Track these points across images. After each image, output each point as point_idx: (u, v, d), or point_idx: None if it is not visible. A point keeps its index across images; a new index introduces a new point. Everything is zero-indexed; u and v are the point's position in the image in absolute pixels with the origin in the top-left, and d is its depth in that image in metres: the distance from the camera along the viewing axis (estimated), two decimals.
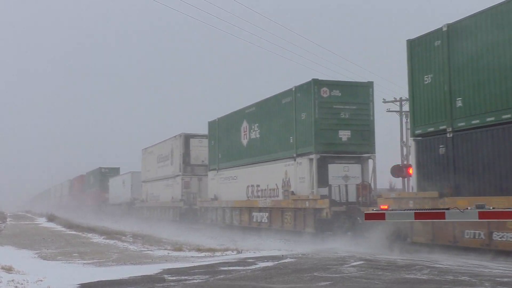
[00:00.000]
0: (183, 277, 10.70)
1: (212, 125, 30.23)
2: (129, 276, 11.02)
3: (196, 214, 32.17)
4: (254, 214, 24.27)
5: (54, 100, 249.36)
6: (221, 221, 27.78)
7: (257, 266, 12.35)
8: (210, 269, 11.94)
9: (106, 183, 59.42)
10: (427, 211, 8.68)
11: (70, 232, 27.59)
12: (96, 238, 22.85)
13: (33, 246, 19.26)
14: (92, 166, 69.88)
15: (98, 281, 10.43)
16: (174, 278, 10.66)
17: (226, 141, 28.09)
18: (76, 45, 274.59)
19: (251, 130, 25.10)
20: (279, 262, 12.99)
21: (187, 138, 34.73)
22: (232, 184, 27.10)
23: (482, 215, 7.75)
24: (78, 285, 10.01)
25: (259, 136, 24.43)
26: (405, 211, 8.81)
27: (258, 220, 23.85)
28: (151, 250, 17.23)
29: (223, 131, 28.73)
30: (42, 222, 42.34)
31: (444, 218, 8.00)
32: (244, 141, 25.80)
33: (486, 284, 9.26)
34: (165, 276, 10.98)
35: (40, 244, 20.22)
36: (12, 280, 10.29)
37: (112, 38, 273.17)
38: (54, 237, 23.69)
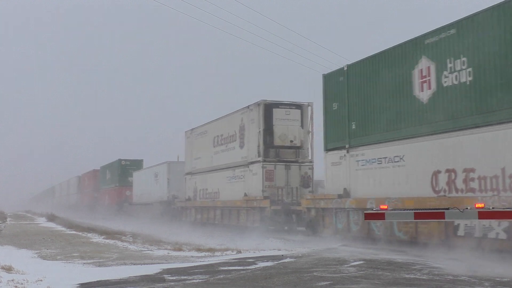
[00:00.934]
0: (183, 277, 10.70)
1: (332, 78, 19.62)
2: (129, 276, 11.02)
3: (291, 218, 23.10)
4: (461, 223, 13.61)
5: (53, 97, 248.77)
6: (362, 232, 17.44)
7: (257, 266, 12.35)
8: (210, 269, 11.94)
9: (127, 178, 50.62)
10: (427, 211, 8.68)
11: (70, 232, 27.58)
12: (96, 238, 22.84)
13: (33, 246, 19.26)
14: (96, 164, 64.70)
15: (97, 281, 10.43)
16: (174, 278, 10.66)
17: (370, 100, 17.67)
18: (77, 41, 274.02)
19: (445, 72, 14.52)
20: (279, 262, 12.99)
21: (268, 108, 24.54)
22: (387, 171, 16.66)
23: (481, 215, 7.74)
24: (77, 285, 10.01)
25: (470, 79, 13.74)
26: (405, 211, 8.81)
27: (476, 234, 13.34)
28: (151, 250, 17.24)
29: (360, 86, 18.17)
30: (42, 222, 42.34)
31: (444, 218, 8.00)
32: (423, 94, 15.33)
33: (486, 284, 9.25)
34: (165, 276, 10.98)
35: (40, 244, 20.22)
36: (12, 280, 10.30)
37: (113, 38, 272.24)
38: (54, 237, 23.69)
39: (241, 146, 26.44)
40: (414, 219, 8.56)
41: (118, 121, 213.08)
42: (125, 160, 53.11)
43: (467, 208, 8.06)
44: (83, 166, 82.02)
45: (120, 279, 10.66)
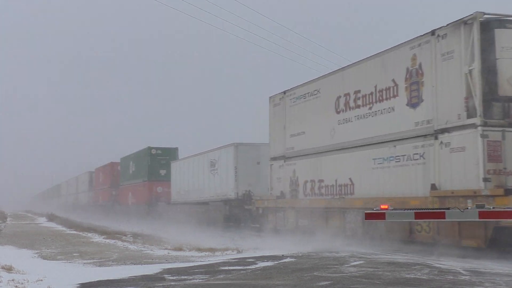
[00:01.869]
0: (183, 277, 10.71)
1: None
2: (129, 275, 11.03)
3: None
4: None
5: (56, 94, 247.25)
6: None
7: (257, 265, 12.35)
8: (210, 269, 11.94)
9: (159, 171, 40.93)
10: (427, 210, 8.68)
11: (70, 232, 27.61)
12: (96, 238, 22.85)
13: (33, 245, 19.28)
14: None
15: (98, 281, 10.44)
16: (174, 277, 10.66)
17: None
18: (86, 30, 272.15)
19: None
20: (279, 261, 12.98)
21: (486, 30, 13.64)
22: None
23: (482, 214, 7.73)
24: (78, 285, 10.02)
25: None
26: (406, 210, 8.80)
27: None
28: (151, 250, 17.24)
29: None
30: (43, 221, 42.36)
31: (444, 218, 7.99)
32: None
33: (486, 284, 9.25)
34: (165, 275, 10.98)
35: (40, 243, 20.24)
36: (12, 280, 10.30)
37: (120, 33, 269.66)
38: (54, 237, 23.71)
39: (413, 104, 15.53)
40: (415, 219, 8.55)
41: (129, 112, 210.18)
42: (156, 148, 41.54)
43: (467, 208, 8.04)
44: (92, 161, 74.42)
45: (120, 279, 10.66)
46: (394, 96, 16.28)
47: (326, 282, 9.59)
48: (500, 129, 13.32)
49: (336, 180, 18.69)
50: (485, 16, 13.77)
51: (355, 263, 12.30)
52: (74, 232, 27.43)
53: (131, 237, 22.39)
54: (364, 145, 17.33)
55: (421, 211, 8.56)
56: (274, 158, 22.74)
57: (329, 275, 10.46)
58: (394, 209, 9.33)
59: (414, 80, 15.57)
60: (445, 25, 14.47)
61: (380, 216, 8.50)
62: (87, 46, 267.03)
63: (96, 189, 60.57)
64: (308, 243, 17.33)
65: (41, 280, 10.51)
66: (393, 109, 16.33)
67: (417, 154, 15.25)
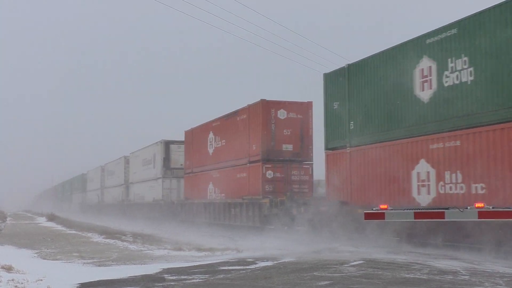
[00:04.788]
0: (182, 277, 10.71)
1: None
2: (129, 275, 11.03)
3: None
4: None
5: (56, 94, 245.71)
6: None
7: (257, 265, 12.35)
8: (210, 269, 11.94)
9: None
10: (427, 210, 8.69)
11: (70, 232, 27.60)
12: (96, 238, 22.84)
13: (33, 245, 19.28)
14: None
15: (98, 281, 10.44)
16: (173, 277, 10.67)
17: None
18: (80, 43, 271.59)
19: None
20: (279, 261, 12.98)
21: None
22: None
23: (481, 214, 7.75)
24: (78, 285, 10.02)
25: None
26: (405, 210, 8.81)
27: None
28: (151, 250, 17.24)
29: None
30: (42, 221, 42.37)
31: (444, 218, 8.01)
32: None
33: (486, 284, 9.25)
34: (165, 275, 10.98)
35: (40, 243, 20.24)
36: (12, 280, 10.30)
37: (115, 36, 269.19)
38: (54, 237, 23.71)
39: None
40: (414, 218, 8.56)
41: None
42: None
43: (467, 208, 8.06)
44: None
45: (120, 278, 10.67)
46: None
47: (326, 282, 9.59)
48: None
49: None
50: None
51: (355, 263, 12.30)
52: (74, 232, 27.42)
53: (130, 237, 22.38)
54: None
55: (420, 211, 8.58)
56: None
57: (329, 275, 10.47)
58: (394, 208, 9.34)
59: None
60: None
61: (379, 216, 8.51)
62: (87, 45, 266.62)
63: (191, 172, 31.41)
64: None
65: (41, 280, 10.51)
66: None
67: None
